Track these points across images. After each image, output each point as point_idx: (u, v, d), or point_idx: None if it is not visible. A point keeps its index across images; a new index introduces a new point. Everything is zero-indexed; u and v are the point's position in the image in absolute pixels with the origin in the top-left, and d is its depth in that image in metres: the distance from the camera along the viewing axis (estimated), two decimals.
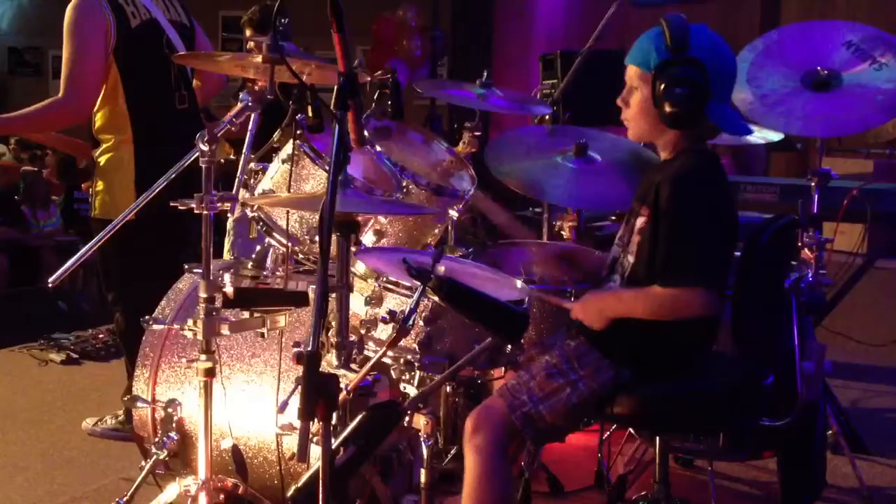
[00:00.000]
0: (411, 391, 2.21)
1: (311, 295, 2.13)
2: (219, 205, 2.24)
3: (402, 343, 2.14)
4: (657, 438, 2.27)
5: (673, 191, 2.05)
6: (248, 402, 2.53)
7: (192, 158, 2.28)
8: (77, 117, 3.30)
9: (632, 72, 2.17)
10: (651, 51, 2.09)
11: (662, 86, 2.05)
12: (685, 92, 2.03)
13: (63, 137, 3.76)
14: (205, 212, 2.23)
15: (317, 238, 2.42)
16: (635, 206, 2.19)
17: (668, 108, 2.06)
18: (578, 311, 2.18)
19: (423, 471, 2.11)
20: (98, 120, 3.32)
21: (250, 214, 2.61)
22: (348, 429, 1.84)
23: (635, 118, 2.19)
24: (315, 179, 2.53)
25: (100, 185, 3.33)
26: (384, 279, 2.24)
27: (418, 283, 1.99)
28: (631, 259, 2.14)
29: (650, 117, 2.13)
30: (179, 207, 2.24)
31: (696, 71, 2.04)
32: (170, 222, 2.72)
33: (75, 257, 2.26)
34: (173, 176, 2.33)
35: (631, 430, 3.07)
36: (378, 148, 2.63)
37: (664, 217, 2.06)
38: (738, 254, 2.31)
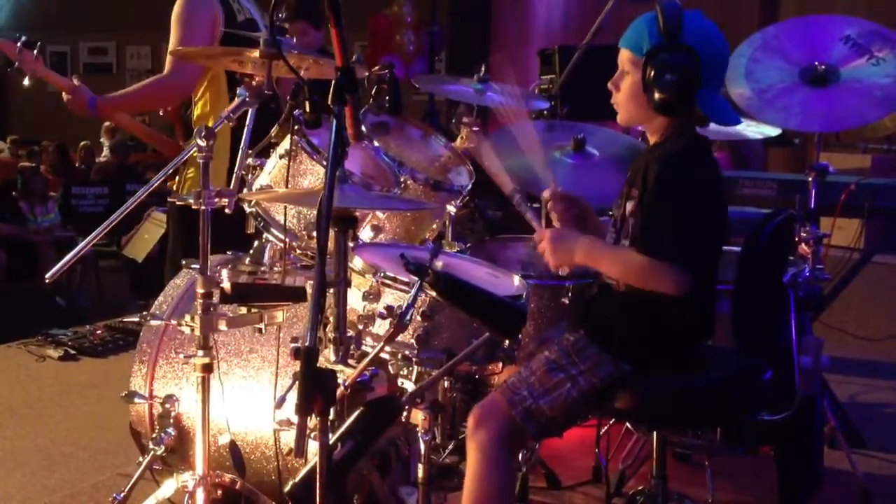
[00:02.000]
0: (409, 386, 2.21)
1: (309, 290, 2.13)
2: (216, 200, 2.24)
3: (400, 338, 2.13)
4: (655, 433, 2.27)
5: (660, 170, 2.05)
6: (245, 398, 2.53)
7: (190, 153, 2.28)
8: (180, 94, 3.42)
9: (624, 56, 2.16)
10: (644, 35, 2.08)
11: (652, 72, 2.04)
12: (674, 79, 2.02)
13: (154, 132, 3.90)
14: (202, 207, 2.22)
15: (314, 233, 2.42)
16: (626, 190, 2.18)
17: (656, 95, 2.04)
18: (546, 242, 2.16)
19: (420, 466, 2.11)
20: (199, 108, 3.37)
21: (248, 210, 2.60)
22: (346, 424, 1.84)
23: (625, 103, 2.18)
24: (313, 175, 2.52)
25: (191, 172, 3.34)
26: (382, 274, 2.24)
27: (416, 279, 1.99)
28: (626, 243, 2.13)
29: (639, 102, 2.11)
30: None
31: (687, 58, 2.02)
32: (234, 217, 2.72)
33: (73, 253, 2.25)
34: (170, 171, 2.36)
35: (628, 424, 3.07)
36: (376, 143, 2.63)
37: (650, 193, 2.06)
38: (737, 249, 2.31)
